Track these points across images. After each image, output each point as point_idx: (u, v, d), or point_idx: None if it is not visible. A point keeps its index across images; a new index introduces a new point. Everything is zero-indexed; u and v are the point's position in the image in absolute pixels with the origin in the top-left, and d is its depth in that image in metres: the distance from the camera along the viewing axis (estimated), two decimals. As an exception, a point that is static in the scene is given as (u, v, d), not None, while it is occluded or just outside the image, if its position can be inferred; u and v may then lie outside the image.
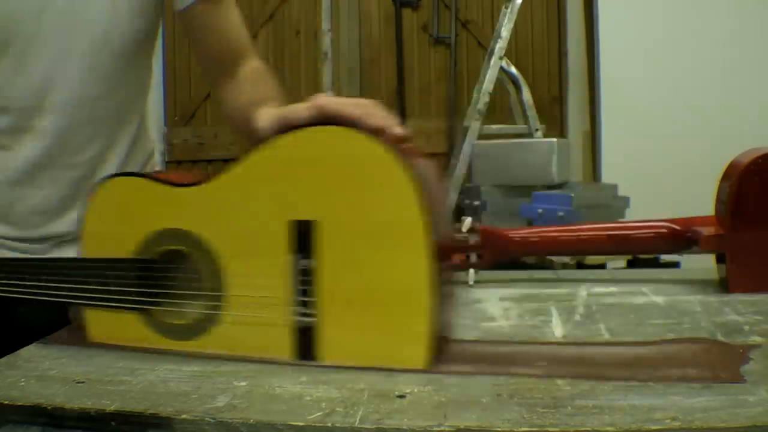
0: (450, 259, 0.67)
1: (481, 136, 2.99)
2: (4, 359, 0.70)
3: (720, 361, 0.61)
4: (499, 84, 3.07)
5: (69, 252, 0.94)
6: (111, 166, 0.95)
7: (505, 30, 3.01)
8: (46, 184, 0.90)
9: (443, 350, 0.65)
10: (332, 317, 0.65)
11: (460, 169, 2.98)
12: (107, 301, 0.73)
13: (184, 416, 0.53)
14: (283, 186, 0.66)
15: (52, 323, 0.82)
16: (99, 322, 0.75)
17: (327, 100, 0.68)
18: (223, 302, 0.68)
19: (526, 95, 3.06)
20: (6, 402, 0.57)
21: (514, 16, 3.02)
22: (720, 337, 0.69)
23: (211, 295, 0.69)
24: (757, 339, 0.68)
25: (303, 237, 0.65)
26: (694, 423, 0.48)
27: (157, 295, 0.72)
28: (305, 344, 0.66)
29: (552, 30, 3.68)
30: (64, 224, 0.92)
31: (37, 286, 0.76)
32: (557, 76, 3.69)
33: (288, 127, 0.67)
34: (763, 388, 0.54)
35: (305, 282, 0.65)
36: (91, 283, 0.73)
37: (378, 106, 0.67)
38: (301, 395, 0.57)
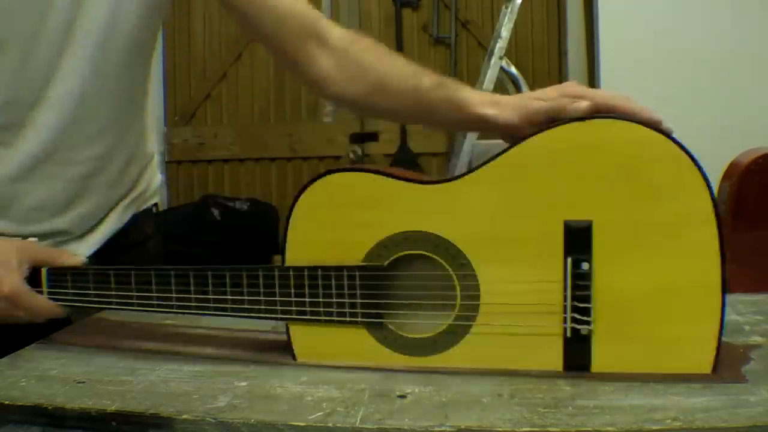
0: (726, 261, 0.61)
1: (482, 136, 2.99)
2: (5, 359, 0.70)
3: (720, 361, 0.61)
4: (499, 84, 3.07)
5: (72, 249, 0.93)
6: (116, 165, 0.95)
7: (505, 30, 3.01)
8: (48, 180, 0.90)
9: (723, 354, 0.60)
10: (608, 324, 0.59)
11: (460, 169, 2.98)
12: (326, 315, 0.64)
13: (185, 416, 0.53)
14: (553, 183, 0.60)
15: (53, 323, 0.82)
16: (309, 339, 0.66)
17: (581, 89, 0.63)
18: (477, 312, 0.62)
19: (526, 95, 3.06)
20: (7, 402, 0.57)
21: (514, 16, 3.02)
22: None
23: (463, 305, 0.62)
24: (757, 339, 0.68)
25: (580, 238, 0.59)
26: (694, 423, 0.48)
27: (390, 306, 0.64)
28: (579, 354, 0.60)
29: (552, 30, 3.68)
30: (66, 221, 0.92)
31: (233, 300, 0.67)
32: (557, 76, 3.68)
33: (549, 120, 0.61)
34: (763, 387, 0.54)
35: (581, 287, 0.59)
36: (305, 294, 0.65)
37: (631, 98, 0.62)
38: (302, 395, 0.57)
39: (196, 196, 3.39)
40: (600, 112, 0.61)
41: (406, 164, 3.38)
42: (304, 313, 0.65)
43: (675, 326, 0.59)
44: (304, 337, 0.66)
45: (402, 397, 0.56)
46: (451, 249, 0.62)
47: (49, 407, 0.56)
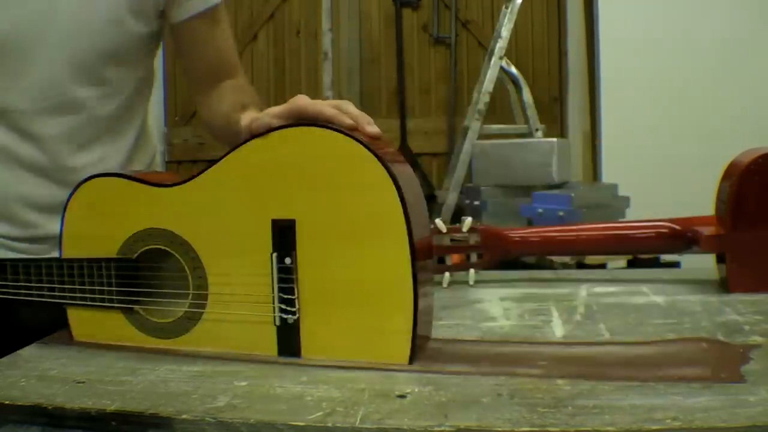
0: (430, 256, 0.68)
1: (481, 136, 2.99)
2: (5, 359, 0.70)
3: (720, 361, 0.61)
4: (499, 84, 3.07)
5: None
6: (118, 164, 0.96)
7: (505, 30, 3.01)
8: (48, 185, 0.91)
9: (424, 348, 0.66)
10: (314, 314, 0.66)
11: (460, 169, 2.98)
12: (91, 301, 0.73)
13: (184, 416, 0.53)
14: (263, 185, 0.67)
15: (53, 323, 0.82)
16: (82, 321, 0.75)
17: (305, 101, 0.69)
18: (206, 300, 0.69)
19: (526, 95, 3.06)
20: (6, 402, 0.57)
21: (514, 16, 3.02)
22: (720, 337, 0.69)
23: (194, 294, 0.70)
24: (757, 339, 0.68)
25: (284, 235, 0.66)
26: (694, 423, 0.48)
27: (140, 293, 0.72)
28: (288, 341, 0.67)
29: (552, 30, 3.68)
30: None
31: (20, 286, 0.76)
32: (557, 76, 3.69)
33: (265, 129, 0.68)
34: (763, 388, 0.54)
35: (287, 280, 0.66)
36: (74, 282, 0.74)
37: (351, 104, 0.68)
38: (302, 395, 0.57)
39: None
40: (302, 118, 0.69)
41: (406, 164, 3.37)
42: (74, 298, 0.74)
43: (372, 317, 0.64)
44: (78, 319, 0.75)
45: (402, 396, 0.56)
46: (184, 244, 0.70)
47: (49, 407, 0.56)
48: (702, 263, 1.01)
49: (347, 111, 0.67)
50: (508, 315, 0.82)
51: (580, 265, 2.20)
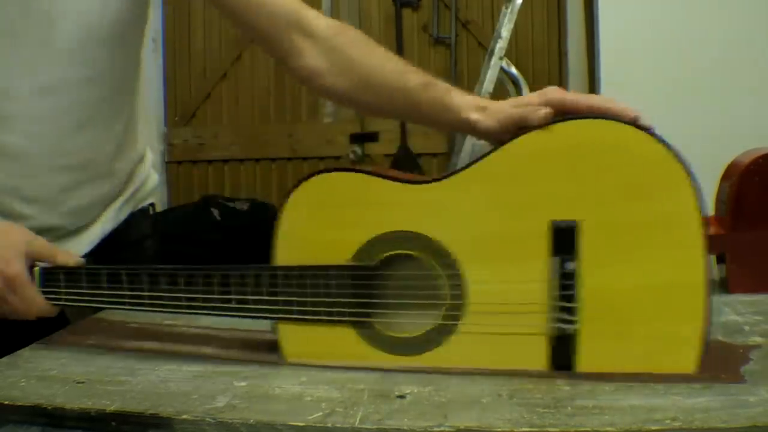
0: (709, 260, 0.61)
1: (481, 136, 2.99)
2: (5, 359, 0.70)
3: (720, 362, 0.61)
4: (499, 84, 3.06)
5: (67, 247, 0.93)
6: (104, 156, 0.94)
7: (505, 30, 3.00)
8: (37, 173, 0.90)
9: (708, 354, 0.60)
10: (595, 323, 0.60)
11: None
12: (314, 315, 0.65)
13: (184, 416, 0.53)
14: (539, 184, 0.60)
15: (53, 323, 0.82)
16: (297, 338, 0.66)
17: (562, 93, 0.63)
18: (462, 311, 0.62)
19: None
20: (6, 402, 0.57)
21: (514, 16, 3.02)
22: (720, 337, 0.69)
23: (449, 304, 0.62)
24: (757, 339, 0.68)
25: (565, 238, 0.59)
26: (694, 423, 0.48)
27: (377, 305, 0.64)
28: (563, 354, 0.60)
29: (552, 30, 3.68)
30: (58, 216, 0.91)
31: (220, 299, 0.67)
32: (557, 76, 3.68)
33: (535, 122, 0.62)
34: (763, 388, 0.54)
35: (567, 286, 0.59)
36: (293, 294, 0.65)
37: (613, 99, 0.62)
38: (301, 395, 0.57)
39: (196, 196, 3.39)
40: (577, 113, 0.62)
41: (406, 164, 3.38)
42: (291, 312, 0.65)
43: (659, 325, 0.59)
44: (293, 337, 0.66)
45: (401, 397, 0.56)
46: (439, 249, 0.62)
47: (49, 407, 0.56)
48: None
49: (623, 106, 0.61)
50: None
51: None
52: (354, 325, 0.64)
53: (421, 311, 0.63)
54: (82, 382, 0.61)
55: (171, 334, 0.77)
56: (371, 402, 0.55)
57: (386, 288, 0.64)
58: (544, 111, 0.62)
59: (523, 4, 3.04)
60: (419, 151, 3.57)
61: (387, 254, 0.63)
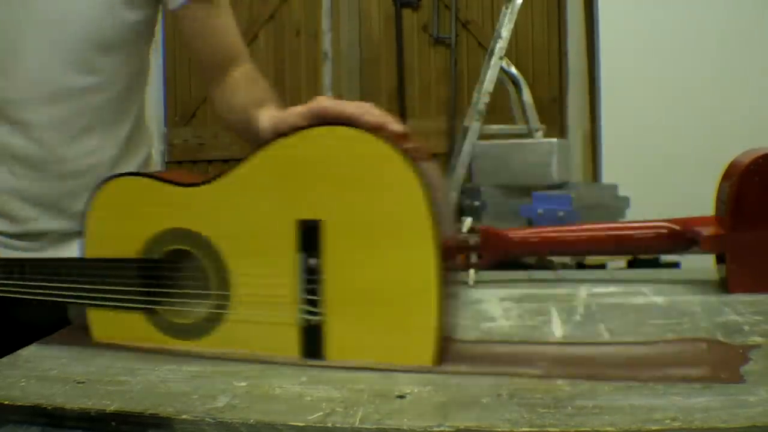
0: (455, 257, 0.68)
1: (481, 137, 2.99)
2: (5, 359, 0.70)
3: (720, 361, 0.61)
4: (499, 84, 3.07)
5: (67, 250, 0.93)
6: (108, 161, 0.95)
7: (505, 30, 3.01)
8: (42, 175, 0.90)
9: (448, 349, 0.65)
10: (339, 316, 0.65)
11: (460, 169, 2.98)
12: (112, 301, 0.73)
13: (184, 416, 0.53)
14: (289, 186, 0.66)
15: (53, 323, 0.82)
16: (103, 322, 0.74)
17: (327, 102, 0.69)
18: (228, 301, 0.69)
19: (526, 95, 3.06)
20: (6, 402, 0.57)
21: (514, 16, 3.02)
22: (720, 337, 0.69)
23: (217, 294, 0.69)
24: (757, 339, 0.68)
25: (309, 236, 0.65)
26: (694, 423, 0.48)
27: (162, 294, 0.72)
28: (312, 343, 0.66)
29: (552, 30, 3.68)
30: (61, 221, 0.92)
31: (38, 286, 0.76)
32: (557, 76, 3.68)
33: (290, 128, 0.67)
34: (763, 388, 0.54)
35: (312, 281, 0.65)
36: (95, 282, 0.73)
37: (374, 106, 0.68)
38: (302, 395, 0.57)
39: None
40: (326, 119, 0.67)
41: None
42: (95, 299, 0.74)
43: (398, 321, 0.64)
44: (99, 320, 0.74)
45: (401, 397, 0.56)
46: (207, 244, 0.69)
47: (49, 407, 0.56)
48: (702, 263, 1.01)
49: (370, 111, 0.67)
50: (508, 315, 0.82)
51: (580, 266, 2.20)
52: (144, 311, 0.72)
53: (196, 300, 0.71)
54: (82, 382, 0.61)
55: (171, 334, 0.77)
56: (371, 402, 0.55)
57: (168, 279, 0.72)
58: (292, 118, 0.69)
59: (523, 4, 3.04)
60: (419, 151, 3.56)
61: (168, 248, 0.71)
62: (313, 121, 0.68)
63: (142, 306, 0.72)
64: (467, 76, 3.71)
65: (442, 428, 0.50)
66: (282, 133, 0.67)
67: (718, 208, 0.93)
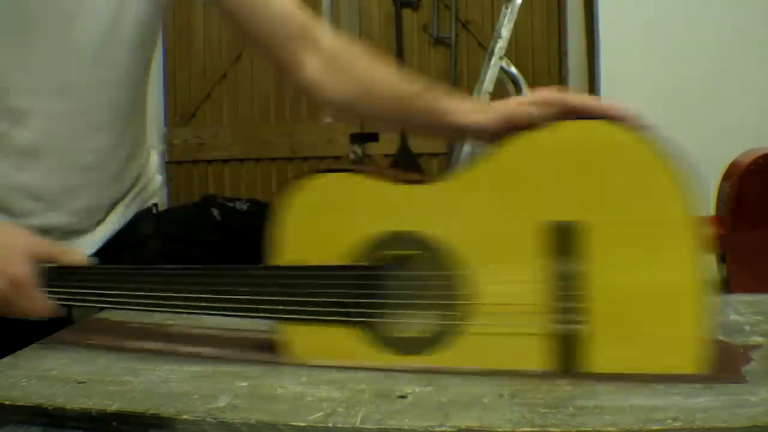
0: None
1: (481, 137, 2.99)
2: (5, 359, 0.70)
3: (721, 361, 0.61)
4: (499, 84, 3.06)
5: (73, 246, 0.93)
6: (116, 159, 0.94)
7: (505, 30, 3.00)
8: (46, 171, 0.89)
9: (713, 355, 0.60)
10: (598, 324, 0.59)
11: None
12: (315, 314, 0.64)
13: (185, 416, 0.53)
14: (540, 185, 0.60)
15: (53, 323, 0.82)
16: (302, 338, 0.65)
17: (561, 94, 0.64)
18: (466, 312, 0.61)
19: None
20: (7, 402, 0.57)
21: (514, 16, 3.02)
22: (720, 337, 0.69)
23: (452, 305, 0.61)
24: (757, 339, 0.68)
25: (565, 239, 0.59)
26: (695, 423, 0.48)
27: (379, 306, 0.63)
28: (568, 353, 0.60)
29: (552, 30, 3.68)
30: (64, 216, 0.91)
31: (226, 299, 0.67)
32: (557, 76, 3.68)
33: (528, 121, 0.62)
34: (764, 388, 0.54)
35: (568, 287, 0.59)
36: (292, 294, 0.64)
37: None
38: (303, 395, 0.57)
39: (196, 196, 3.39)
40: (574, 113, 0.62)
41: (406, 164, 3.38)
42: (294, 312, 0.65)
43: (662, 326, 0.59)
44: (296, 337, 0.66)
45: (402, 397, 0.56)
46: (442, 249, 0.62)
47: (50, 407, 0.56)
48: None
49: (617, 106, 0.61)
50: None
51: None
52: (357, 325, 0.64)
53: (424, 311, 0.63)
54: (83, 382, 0.61)
55: (172, 334, 0.77)
56: (372, 402, 0.55)
57: (390, 288, 0.63)
58: (532, 110, 0.63)
59: (523, 4, 3.04)
60: (419, 151, 3.57)
61: (390, 254, 0.63)
62: (553, 114, 0.62)
63: (357, 319, 0.64)
64: (467, 76, 3.71)
65: (443, 428, 0.50)
66: (516, 127, 0.62)
67: (718, 208, 0.93)
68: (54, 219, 0.91)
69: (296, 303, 0.64)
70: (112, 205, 0.97)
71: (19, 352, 0.72)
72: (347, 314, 0.64)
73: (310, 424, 0.51)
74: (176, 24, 3.48)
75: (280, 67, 0.89)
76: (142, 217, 1.03)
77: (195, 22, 3.51)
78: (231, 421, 0.52)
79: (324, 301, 0.64)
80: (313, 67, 0.86)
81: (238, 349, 0.71)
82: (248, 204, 2.95)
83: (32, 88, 0.86)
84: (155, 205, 1.08)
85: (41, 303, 0.73)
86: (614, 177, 0.59)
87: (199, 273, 0.68)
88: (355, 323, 0.64)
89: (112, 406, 0.55)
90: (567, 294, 0.59)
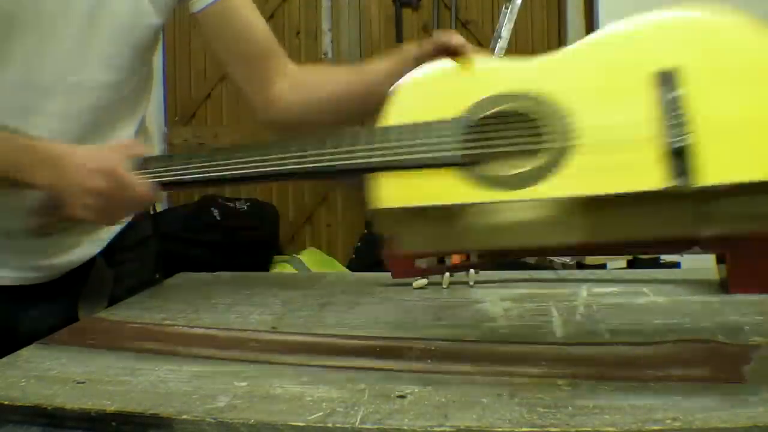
0: None
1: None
2: (5, 359, 0.70)
3: (720, 361, 0.61)
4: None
5: (81, 247, 0.92)
6: None
7: (505, 30, 3.01)
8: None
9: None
10: (707, 137, 0.60)
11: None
12: (422, 161, 0.66)
13: (184, 416, 0.53)
14: (644, 46, 0.65)
15: (53, 323, 0.82)
16: (394, 183, 0.66)
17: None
18: (569, 150, 0.63)
19: (526, 95, 3.06)
20: (6, 402, 0.57)
21: (514, 16, 3.02)
22: (720, 337, 0.69)
23: (553, 147, 0.63)
24: (757, 339, 0.68)
25: (670, 77, 0.63)
26: (694, 423, 0.48)
27: (483, 153, 0.65)
28: (680, 165, 0.60)
29: (552, 30, 3.68)
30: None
31: (339, 152, 0.69)
32: (557, 76, 3.68)
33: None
34: (763, 387, 0.54)
35: (675, 109, 0.61)
36: (401, 145, 0.67)
37: None
38: (302, 395, 0.57)
39: (196, 196, 3.39)
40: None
41: (406, 164, 3.37)
42: (395, 162, 0.66)
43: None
44: (389, 183, 0.66)
45: (402, 397, 0.56)
46: (545, 100, 0.65)
47: (49, 407, 0.56)
48: (702, 263, 1.01)
49: None
50: (508, 315, 0.82)
51: (580, 265, 2.20)
52: (454, 167, 0.65)
53: (528, 155, 0.64)
54: (82, 382, 0.61)
55: (171, 334, 0.77)
56: (371, 402, 0.55)
57: (491, 139, 0.65)
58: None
59: (523, 4, 3.04)
60: (419, 151, 3.56)
61: (492, 110, 0.66)
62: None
63: (464, 163, 0.65)
64: (467, 76, 3.71)
65: (442, 428, 0.50)
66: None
67: (718, 208, 0.93)
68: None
69: (399, 150, 0.66)
70: None
71: (18, 352, 0.72)
72: (453, 158, 0.65)
73: (309, 424, 0.51)
74: (176, 24, 3.48)
75: (247, 85, 0.99)
76: (140, 217, 1.03)
77: (195, 22, 3.51)
78: (230, 422, 0.52)
79: (426, 149, 0.66)
80: (279, 86, 0.97)
81: (238, 349, 0.71)
82: (248, 204, 2.96)
83: (48, 87, 0.86)
84: (153, 204, 1.08)
85: (143, 186, 0.77)
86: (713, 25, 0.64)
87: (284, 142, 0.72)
88: (456, 165, 0.65)
89: (112, 407, 0.55)
90: (674, 113, 0.61)
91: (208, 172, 0.76)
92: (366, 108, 0.89)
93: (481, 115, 0.66)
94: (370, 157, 0.67)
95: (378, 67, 0.90)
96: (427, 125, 0.67)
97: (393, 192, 0.66)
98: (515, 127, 0.65)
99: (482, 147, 0.65)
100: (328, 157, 0.70)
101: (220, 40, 0.97)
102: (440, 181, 0.65)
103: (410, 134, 0.67)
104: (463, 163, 0.64)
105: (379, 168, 0.67)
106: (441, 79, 0.70)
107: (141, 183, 0.77)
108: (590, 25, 3.36)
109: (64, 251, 0.93)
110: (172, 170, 0.77)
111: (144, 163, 0.78)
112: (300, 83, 0.96)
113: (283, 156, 0.71)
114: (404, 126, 0.68)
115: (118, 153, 0.79)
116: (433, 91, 0.70)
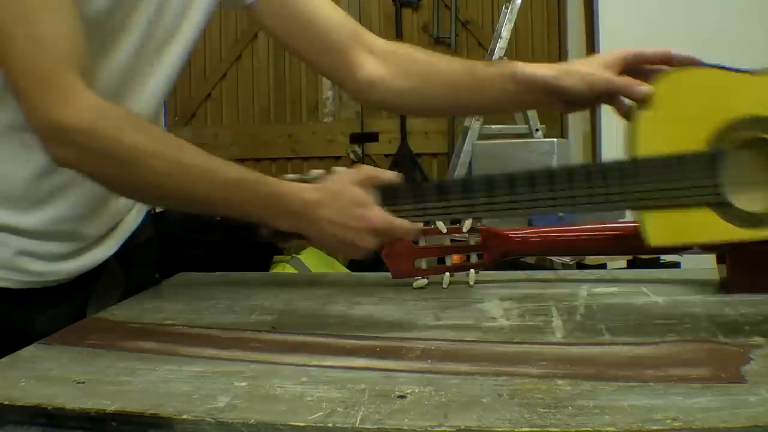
0: None
1: (482, 136, 2.99)
2: (5, 359, 0.70)
3: (720, 361, 0.61)
4: (499, 84, 3.06)
5: (96, 252, 0.91)
6: None
7: (505, 30, 3.00)
8: (81, 183, 0.87)
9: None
10: None
11: (460, 169, 2.98)
12: (676, 198, 0.68)
13: (184, 416, 0.53)
14: None
15: (53, 323, 0.81)
16: (660, 224, 0.70)
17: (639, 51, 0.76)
18: None
19: (526, 95, 3.05)
20: (6, 402, 0.57)
21: (514, 16, 3.02)
22: (720, 337, 0.69)
23: None
24: (757, 339, 0.68)
25: None
26: (694, 423, 0.48)
27: (734, 186, 0.67)
28: None
29: (552, 30, 3.68)
30: (93, 223, 0.90)
31: (569, 197, 0.72)
32: (557, 76, 3.68)
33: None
34: (763, 388, 0.54)
35: None
36: (658, 183, 0.69)
37: None
38: (302, 395, 0.57)
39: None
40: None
41: (406, 164, 3.38)
42: (652, 201, 0.69)
43: None
44: (656, 223, 0.71)
45: (402, 397, 0.56)
46: None
47: (49, 407, 0.56)
48: (702, 263, 1.00)
49: None
50: (509, 315, 0.82)
51: (580, 265, 2.20)
52: (712, 206, 0.67)
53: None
54: (82, 382, 0.61)
55: (171, 334, 0.77)
56: (372, 402, 0.55)
57: (742, 169, 0.67)
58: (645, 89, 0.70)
59: (523, 4, 3.04)
60: (419, 151, 3.57)
61: (743, 137, 0.66)
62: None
63: (712, 199, 0.68)
64: (467, 76, 3.71)
65: (442, 428, 0.50)
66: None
67: (718, 208, 0.93)
68: (81, 227, 0.89)
69: (650, 190, 0.69)
70: (129, 209, 0.97)
71: (18, 352, 0.72)
72: (707, 195, 0.67)
73: (309, 424, 0.51)
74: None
75: (334, 73, 0.92)
76: (145, 219, 1.03)
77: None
78: (230, 422, 0.52)
79: (681, 186, 0.68)
80: (370, 66, 0.89)
81: (238, 349, 0.71)
82: (248, 204, 2.85)
83: (105, 89, 0.84)
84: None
85: (407, 226, 0.73)
86: None
87: (532, 176, 0.73)
88: (709, 204, 0.67)
89: (112, 406, 0.55)
90: None
91: (473, 211, 0.75)
92: (472, 103, 0.87)
93: (728, 146, 0.67)
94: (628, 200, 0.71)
95: (488, 70, 0.85)
96: (680, 164, 0.67)
97: (660, 232, 0.71)
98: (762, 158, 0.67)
99: (731, 179, 0.66)
100: (585, 198, 0.72)
101: (282, 28, 0.91)
102: (701, 218, 0.68)
103: (663, 174, 0.68)
104: (717, 203, 0.67)
105: (639, 208, 0.71)
106: (696, 81, 0.71)
107: (406, 225, 0.72)
108: (590, 26, 3.36)
109: (86, 252, 0.92)
110: (427, 208, 0.74)
111: (393, 197, 0.73)
112: (392, 60, 0.89)
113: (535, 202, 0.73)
114: (655, 162, 0.68)
115: (364, 188, 0.72)
116: (688, 96, 0.70)
